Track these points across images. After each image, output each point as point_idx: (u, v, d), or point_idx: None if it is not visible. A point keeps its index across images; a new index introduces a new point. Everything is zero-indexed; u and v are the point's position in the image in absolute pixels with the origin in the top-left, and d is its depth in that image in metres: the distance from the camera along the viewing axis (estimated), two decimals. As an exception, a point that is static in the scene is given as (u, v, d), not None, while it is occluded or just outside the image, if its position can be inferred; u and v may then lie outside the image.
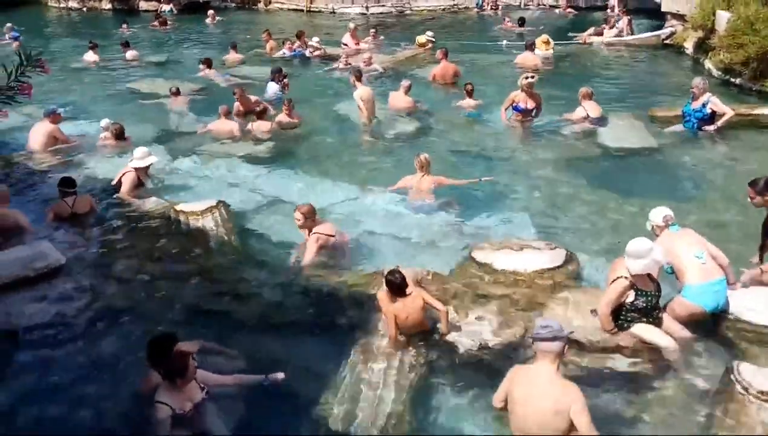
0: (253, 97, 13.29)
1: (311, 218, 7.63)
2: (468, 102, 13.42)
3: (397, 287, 6.03)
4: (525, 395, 4.70)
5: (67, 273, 7.31)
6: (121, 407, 5.57)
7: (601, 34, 19.39)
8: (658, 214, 6.52)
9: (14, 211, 8.45)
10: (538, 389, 4.67)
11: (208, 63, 16.80)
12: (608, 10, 22.82)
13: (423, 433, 5.30)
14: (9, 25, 22.24)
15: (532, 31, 20.18)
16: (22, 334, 6.38)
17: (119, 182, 9.56)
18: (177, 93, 14.34)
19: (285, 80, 14.45)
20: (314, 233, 7.55)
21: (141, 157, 9.69)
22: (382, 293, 6.17)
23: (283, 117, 12.31)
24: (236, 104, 12.91)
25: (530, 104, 12.01)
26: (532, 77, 12.04)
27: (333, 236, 7.64)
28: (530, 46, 16.96)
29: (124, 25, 24.07)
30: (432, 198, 9.14)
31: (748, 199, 6.60)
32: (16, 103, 4.92)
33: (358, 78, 12.85)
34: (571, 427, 4.56)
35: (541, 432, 4.60)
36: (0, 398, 5.71)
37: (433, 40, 19.09)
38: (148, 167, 9.79)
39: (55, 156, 11.16)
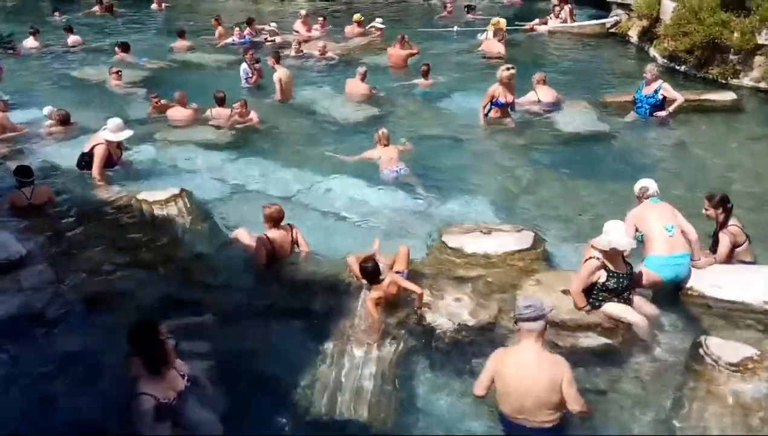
0: (163, 100, 12.47)
1: (269, 222, 7.24)
2: (423, 81, 13.87)
3: (371, 274, 6.22)
4: (517, 375, 4.75)
5: (29, 265, 7.04)
6: (96, 398, 5.43)
7: (546, 23, 19.71)
8: (637, 185, 7.02)
9: None
10: (529, 368, 4.74)
11: (123, 47, 16.75)
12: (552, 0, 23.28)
13: (405, 415, 5.33)
14: None
15: (480, 19, 20.46)
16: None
17: (91, 153, 9.27)
18: (118, 75, 14.21)
19: (257, 64, 14.21)
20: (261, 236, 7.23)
21: (114, 129, 9.36)
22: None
23: (236, 117, 11.77)
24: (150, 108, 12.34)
25: (509, 98, 11.31)
26: (513, 68, 11.28)
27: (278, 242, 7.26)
28: (496, 33, 16.95)
29: (56, 13, 23.16)
30: (404, 164, 9.53)
31: (703, 211, 6.90)
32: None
33: (277, 60, 13.40)
34: (563, 401, 4.69)
35: (538, 410, 4.69)
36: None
37: (382, 27, 19.00)
38: (120, 143, 9.52)
39: (4, 145, 10.76)
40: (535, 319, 4.82)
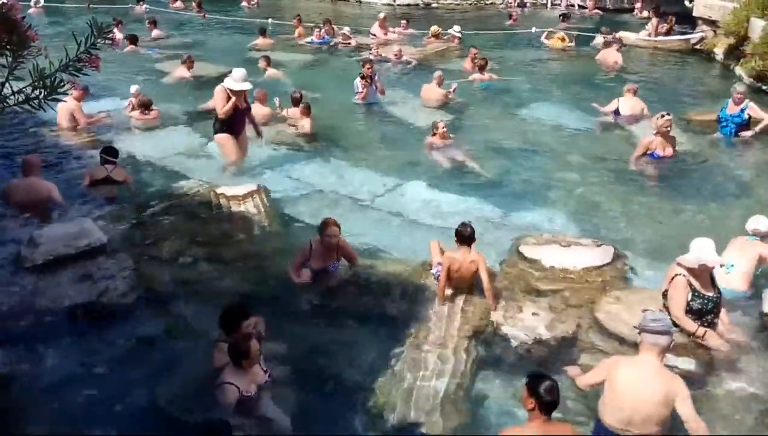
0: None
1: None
2: (480, 76, 14.42)
3: (465, 237, 6.40)
4: (633, 385, 4.67)
5: (110, 252, 7.17)
6: (172, 386, 5.47)
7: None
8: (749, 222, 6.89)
9: (48, 183, 8.41)
10: (647, 380, 4.67)
11: (131, 39, 17.26)
12: (635, 12, 22.82)
13: (476, 424, 5.26)
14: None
15: (573, 27, 20.36)
16: (68, 313, 6.28)
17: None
18: (190, 63, 14.55)
19: (364, 81, 12.91)
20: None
21: (237, 79, 9.22)
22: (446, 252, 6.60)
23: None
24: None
25: (668, 150, 9.97)
26: (668, 114, 10.02)
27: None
28: (609, 44, 16.75)
29: (140, 4, 23.65)
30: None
31: None
32: (84, 76, 4.83)
33: (268, 64, 14.93)
34: (669, 417, 4.63)
35: (645, 424, 4.62)
36: (45, 379, 5.62)
37: (460, 35, 18.82)
38: (243, 94, 9.38)
39: (87, 133, 11.09)
40: (661, 333, 4.75)
